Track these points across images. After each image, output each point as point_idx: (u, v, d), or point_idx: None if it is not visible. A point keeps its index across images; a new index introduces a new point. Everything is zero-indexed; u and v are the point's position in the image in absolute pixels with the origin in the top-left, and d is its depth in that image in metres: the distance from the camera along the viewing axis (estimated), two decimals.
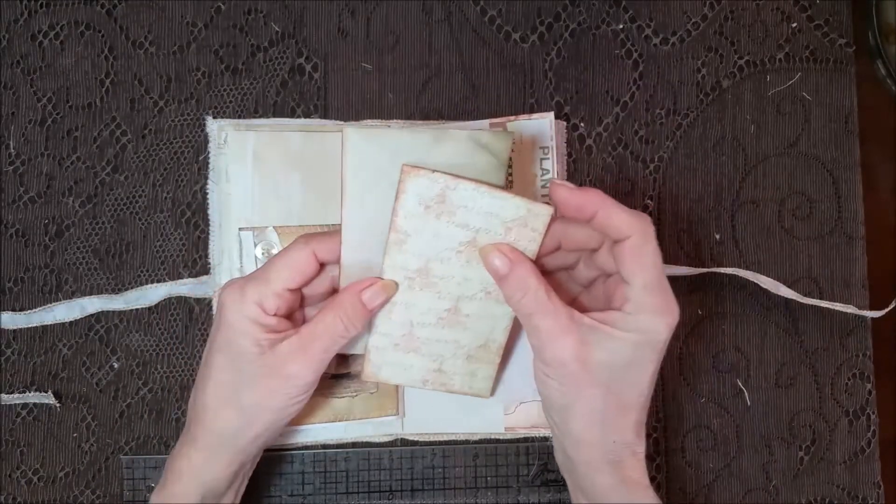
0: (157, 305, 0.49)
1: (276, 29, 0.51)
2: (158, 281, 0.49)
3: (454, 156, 0.39)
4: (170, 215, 0.50)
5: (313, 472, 0.48)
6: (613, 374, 0.39)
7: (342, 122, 0.50)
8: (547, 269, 0.42)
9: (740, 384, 0.50)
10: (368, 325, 0.43)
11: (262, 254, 0.47)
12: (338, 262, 0.42)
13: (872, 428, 0.50)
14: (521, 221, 0.40)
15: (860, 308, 0.50)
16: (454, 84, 0.51)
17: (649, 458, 0.50)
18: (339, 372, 0.48)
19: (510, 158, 0.47)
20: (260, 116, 0.50)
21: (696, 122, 0.51)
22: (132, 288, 0.49)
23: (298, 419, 0.47)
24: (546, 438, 0.49)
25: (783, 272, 0.51)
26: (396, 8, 0.51)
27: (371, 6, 0.51)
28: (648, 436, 0.50)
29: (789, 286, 0.49)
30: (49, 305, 0.49)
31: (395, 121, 0.50)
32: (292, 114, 0.50)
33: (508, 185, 0.47)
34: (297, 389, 0.41)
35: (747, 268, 0.50)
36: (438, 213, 0.39)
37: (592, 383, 0.39)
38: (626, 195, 0.51)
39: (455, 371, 0.45)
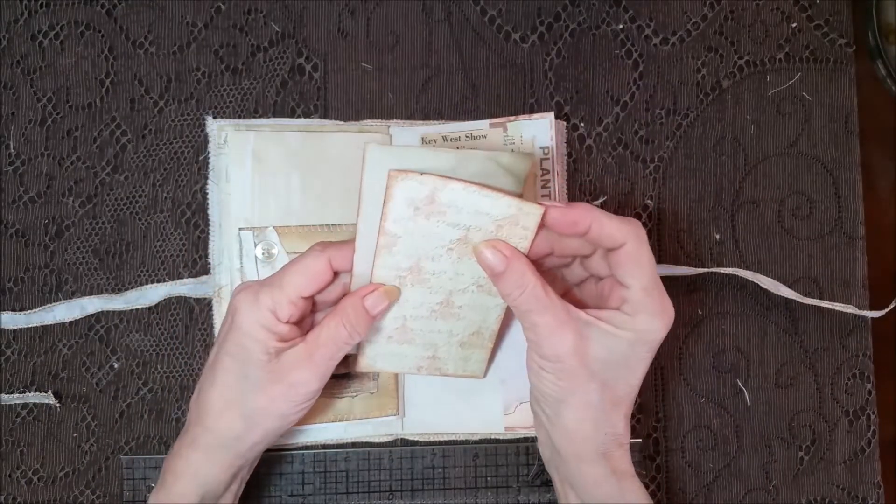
0: (157, 305, 0.49)
1: (276, 29, 0.51)
2: (158, 281, 0.49)
3: (475, 176, 0.39)
4: (170, 215, 0.50)
5: (313, 472, 0.48)
6: (609, 370, 0.40)
7: (342, 122, 0.50)
8: (540, 265, 0.42)
9: (740, 384, 0.50)
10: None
11: (262, 254, 0.47)
12: (350, 270, 0.42)
13: (872, 428, 0.50)
14: (512, 220, 0.39)
15: (860, 308, 0.50)
16: (454, 84, 0.51)
17: (650, 458, 0.50)
18: (339, 372, 0.48)
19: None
20: (260, 116, 0.50)
21: (696, 122, 0.51)
22: (132, 288, 0.49)
23: (299, 420, 0.47)
24: None
25: (783, 272, 0.51)
26: (396, 8, 0.51)
27: (371, 6, 0.51)
28: (648, 436, 0.50)
29: (789, 286, 0.49)
30: (49, 305, 0.49)
31: (395, 121, 0.50)
32: (292, 114, 0.50)
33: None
34: (301, 397, 0.41)
35: (747, 268, 0.50)
36: (428, 213, 0.39)
37: (589, 378, 0.39)
38: (626, 195, 0.51)
39: (449, 357, 0.45)
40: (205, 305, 0.49)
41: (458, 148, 0.48)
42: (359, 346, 0.44)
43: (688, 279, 0.50)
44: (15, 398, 0.49)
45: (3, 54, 0.50)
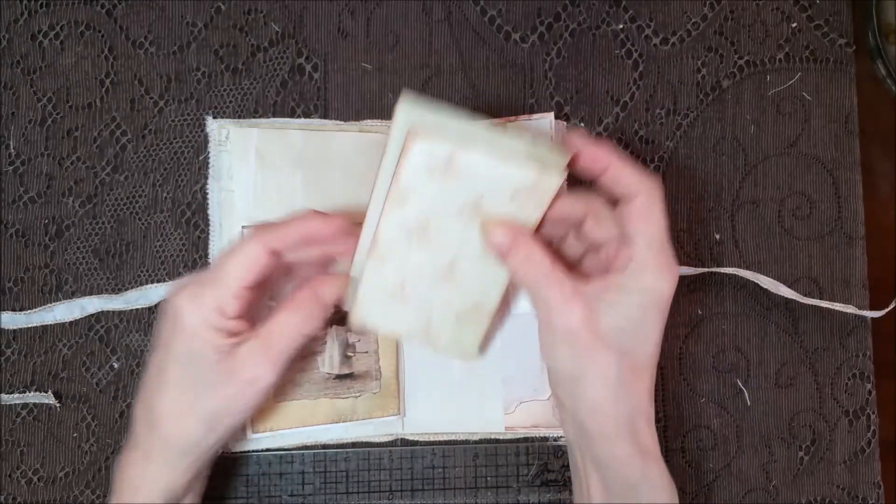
0: (157, 305, 0.49)
1: (276, 29, 0.51)
2: (158, 281, 0.49)
3: (499, 150, 0.39)
4: (170, 215, 0.50)
5: (313, 472, 0.48)
6: (623, 338, 0.39)
7: (342, 122, 0.50)
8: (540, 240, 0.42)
9: (740, 384, 0.50)
10: (358, 276, 0.42)
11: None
12: (293, 249, 0.41)
13: (872, 428, 0.50)
14: (527, 190, 0.39)
15: (860, 308, 0.50)
16: (454, 84, 0.51)
17: None
18: (343, 373, 0.48)
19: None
20: (260, 116, 0.50)
21: (696, 122, 0.51)
22: (132, 288, 0.49)
23: (301, 419, 0.47)
24: (546, 438, 0.49)
25: (783, 272, 0.51)
26: (396, 8, 0.51)
27: (371, 6, 0.51)
28: None
29: (789, 286, 0.49)
30: (49, 305, 0.49)
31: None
32: (292, 114, 0.50)
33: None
34: (258, 392, 0.41)
35: (747, 268, 0.50)
36: (444, 175, 0.39)
37: (604, 349, 0.39)
38: None
39: (442, 330, 0.44)
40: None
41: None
42: (353, 303, 0.43)
43: (688, 279, 0.50)
44: (15, 398, 0.49)
45: (3, 54, 0.50)
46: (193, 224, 0.50)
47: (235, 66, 0.50)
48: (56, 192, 0.50)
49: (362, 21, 0.51)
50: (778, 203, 0.51)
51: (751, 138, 0.51)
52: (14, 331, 0.49)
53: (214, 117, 0.50)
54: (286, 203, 0.48)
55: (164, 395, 0.40)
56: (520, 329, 0.49)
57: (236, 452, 0.48)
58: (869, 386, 0.50)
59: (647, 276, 0.39)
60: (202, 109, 0.50)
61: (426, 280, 0.42)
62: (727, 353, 0.50)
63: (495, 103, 0.51)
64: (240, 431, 0.46)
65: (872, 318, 0.50)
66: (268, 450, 0.48)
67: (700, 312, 0.51)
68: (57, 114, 0.50)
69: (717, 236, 0.51)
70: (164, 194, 0.50)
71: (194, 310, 0.39)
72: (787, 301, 0.50)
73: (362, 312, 0.43)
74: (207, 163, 0.50)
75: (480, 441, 0.49)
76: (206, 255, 0.49)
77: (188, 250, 0.50)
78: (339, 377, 0.48)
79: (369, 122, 0.50)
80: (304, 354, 0.47)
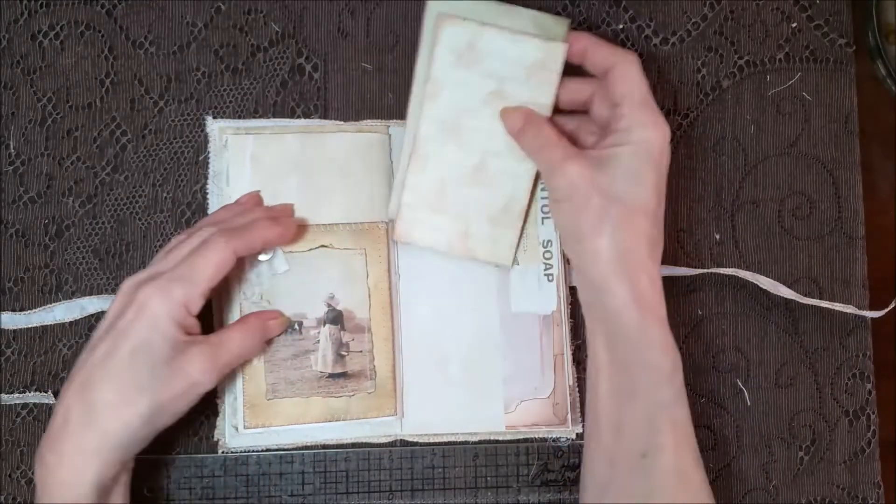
0: None
1: (276, 29, 0.51)
2: None
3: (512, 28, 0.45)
4: (170, 215, 0.50)
5: (313, 472, 0.48)
6: (617, 184, 0.42)
7: (342, 122, 0.50)
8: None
9: (740, 384, 0.50)
10: (401, 184, 0.47)
11: (259, 254, 0.47)
12: (252, 255, 0.45)
13: (872, 428, 0.50)
14: (539, 63, 0.45)
15: (860, 308, 0.50)
16: None
17: None
18: (336, 371, 0.48)
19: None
20: (260, 116, 0.50)
21: (696, 122, 0.51)
22: None
23: (294, 417, 0.47)
24: (545, 439, 0.49)
25: (783, 272, 0.51)
26: (396, 8, 0.51)
27: (371, 6, 0.51)
28: None
29: (789, 286, 0.49)
30: (49, 305, 0.49)
31: (394, 121, 0.50)
32: (292, 114, 0.50)
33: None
34: (196, 396, 0.42)
35: (747, 268, 0.50)
36: (468, 62, 0.45)
37: (600, 195, 0.42)
38: None
39: (480, 236, 0.48)
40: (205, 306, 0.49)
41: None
42: (398, 213, 0.47)
43: (688, 279, 0.50)
44: (15, 398, 0.49)
45: (3, 54, 0.50)
46: (193, 224, 0.50)
47: (235, 66, 0.51)
48: (56, 192, 0.50)
49: (362, 21, 0.51)
50: (778, 203, 0.51)
51: (751, 138, 0.51)
52: (14, 331, 0.49)
53: (214, 117, 0.50)
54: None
55: (109, 384, 0.40)
56: (520, 329, 0.49)
57: (236, 451, 0.48)
58: (869, 386, 0.50)
59: (635, 131, 0.42)
60: (202, 109, 0.50)
61: (461, 182, 0.47)
62: (727, 353, 0.50)
63: None
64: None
65: (872, 318, 0.50)
66: (266, 449, 0.48)
67: (700, 312, 0.51)
68: (57, 114, 0.50)
69: (717, 236, 0.51)
70: (164, 194, 0.50)
71: (162, 302, 0.41)
72: (787, 301, 0.50)
73: (406, 225, 0.48)
74: (207, 163, 0.50)
75: (480, 441, 0.49)
76: None
77: None
78: (333, 376, 0.48)
79: (369, 121, 0.50)
80: (297, 353, 0.47)
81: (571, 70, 0.46)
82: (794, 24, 0.52)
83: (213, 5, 0.51)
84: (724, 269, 0.50)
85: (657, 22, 0.51)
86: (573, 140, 0.46)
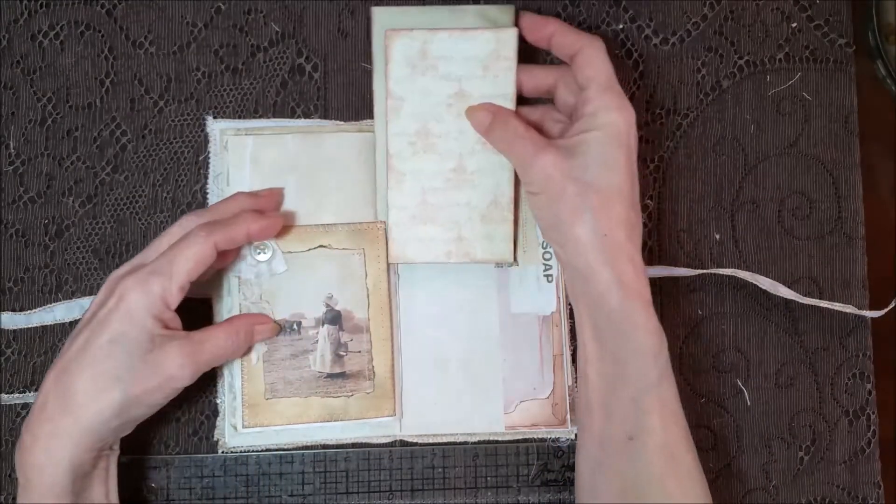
0: None
1: (276, 29, 0.51)
2: None
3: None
4: (170, 215, 0.50)
5: (313, 472, 0.48)
6: (589, 171, 0.42)
7: (342, 122, 0.50)
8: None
9: (740, 384, 0.50)
10: (385, 205, 0.47)
11: (258, 254, 0.47)
12: (233, 248, 0.45)
13: (872, 428, 0.50)
14: (493, 54, 0.45)
15: (860, 308, 0.50)
16: None
17: None
18: (334, 371, 0.48)
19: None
20: (260, 116, 0.50)
21: (696, 122, 0.51)
22: None
23: (292, 417, 0.47)
24: (545, 439, 0.49)
25: (783, 272, 0.51)
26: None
27: (371, 6, 0.51)
28: None
29: (789, 286, 0.49)
30: (49, 305, 0.49)
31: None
32: (292, 114, 0.50)
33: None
34: (173, 391, 0.42)
35: (747, 268, 0.50)
36: (424, 69, 0.45)
37: (574, 183, 0.42)
38: None
39: (474, 236, 0.47)
40: (204, 305, 0.49)
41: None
42: (387, 236, 0.47)
43: (688, 279, 0.50)
44: (15, 398, 0.49)
45: (3, 54, 0.50)
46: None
47: (235, 66, 0.51)
48: (56, 192, 0.50)
49: (362, 21, 0.51)
50: (778, 203, 0.51)
51: (751, 138, 0.51)
52: (14, 331, 0.49)
53: (214, 117, 0.50)
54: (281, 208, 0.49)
55: (85, 372, 0.41)
56: (520, 329, 0.49)
57: (235, 451, 0.48)
58: (869, 386, 0.50)
59: (602, 115, 0.42)
60: (202, 109, 0.50)
61: (442, 188, 0.47)
62: (727, 353, 0.50)
63: None
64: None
65: (872, 318, 0.50)
66: (266, 449, 0.48)
67: (700, 313, 0.51)
68: (57, 114, 0.50)
69: (717, 236, 0.51)
70: (164, 194, 0.50)
71: (140, 295, 0.41)
72: (787, 301, 0.50)
73: (399, 245, 0.48)
74: (207, 163, 0.50)
75: (480, 441, 0.49)
76: None
77: None
78: (331, 376, 0.48)
79: (369, 121, 0.50)
80: (295, 353, 0.47)
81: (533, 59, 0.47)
82: (794, 24, 0.52)
83: (213, 5, 0.51)
84: (724, 270, 0.50)
85: (657, 22, 0.51)
86: (539, 130, 0.46)
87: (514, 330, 0.49)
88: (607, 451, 0.42)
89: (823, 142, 0.51)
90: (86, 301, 0.49)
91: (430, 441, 0.49)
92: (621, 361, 0.42)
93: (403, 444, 0.49)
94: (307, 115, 0.50)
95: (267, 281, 0.47)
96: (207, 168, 0.50)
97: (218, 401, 0.48)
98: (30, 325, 0.49)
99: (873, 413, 0.50)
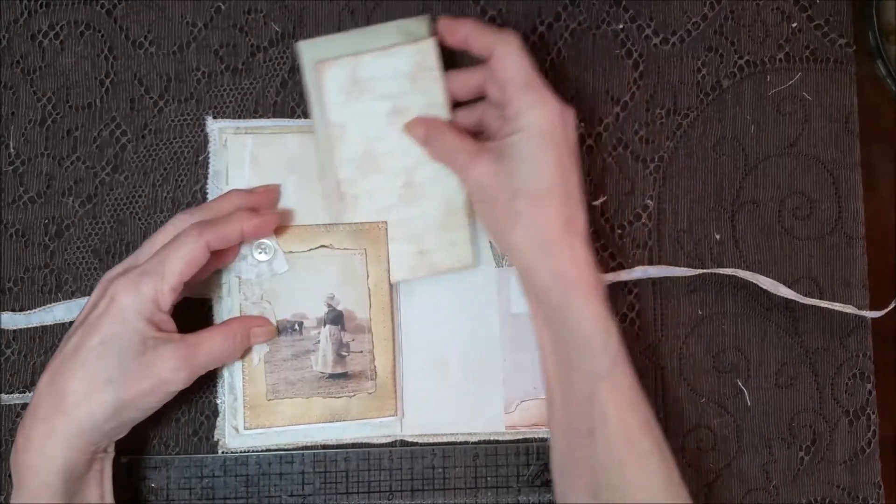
0: None
1: (276, 29, 0.51)
2: None
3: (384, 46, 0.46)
4: (170, 215, 0.50)
5: (313, 472, 0.48)
6: (519, 176, 0.42)
7: None
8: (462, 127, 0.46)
9: (740, 384, 0.50)
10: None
11: (259, 254, 0.47)
12: (228, 247, 0.44)
13: (872, 428, 0.50)
14: (418, 67, 0.46)
15: (860, 308, 0.50)
16: None
17: None
18: (336, 372, 0.48)
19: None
20: (260, 116, 0.50)
21: (696, 122, 0.51)
22: None
23: (294, 417, 0.47)
24: (545, 439, 0.49)
25: (783, 272, 0.51)
26: (396, 8, 0.51)
27: (371, 6, 0.51)
28: None
29: (789, 286, 0.49)
30: (49, 305, 0.49)
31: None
32: (292, 114, 0.50)
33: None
34: (167, 395, 0.42)
35: (747, 268, 0.50)
36: (358, 94, 0.46)
37: (504, 190, 0.42)
38: (626, 195, 0.51)
39: (436, 247, 0.48)
40: (205, 306, 0.49)
41: None
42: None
43: (688, 279, 0.50)
44: (15, 398, 0.49)
45: (3, 54, 0.50)
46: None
47: (235, 66, 0.51)
48: (56, 192, 0.50)
49: (362, 21, 0.51)
50: (778, 203, 0.51)
51: (751, 138, 0.51)
52: (14, 331, 0.49)
53: (214, 117, 0.50)
54: (279, 206, 0.48)
55: (77, 374, 0.40)
56: (519, 329, 0.49)
57: (236, 452, 0.48)
58: (869, 386, 0.50)
59: (524, 115, 0.42)
60: (202, 109, 0.50)
61: (397, 206, 0.47)
62: (727, 354, 0.50)
63: None
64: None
65: (872, 318, 0.50)
66: (266, 449, 0.48)
67: (700, 313, 0.51)
68: (57, 114, 0.50)
69: (717, 236, 0.51)
70: (164, 194, 0.50)
71: (132, 296, 0.41)
72: (787, 301, 0.50)
73: None
74: (207, 163, 0.50)
75: (480, 441, 0.49)
76: None
77: None
78: (333, 376, 0.48)
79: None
80: (297, 353, 0.47)
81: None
82: (794, 24, 0.52)
83: (213, 5, 0.51)
84: (724, 270, 0.50)
85: (657, 22, 0.51)
86: (481, 128, 0.46)
87: (515, 330, 0.49)
88: (571, 443, 0.42)
89: (823, 142, 0.51)
90: (86, 301, 0.49)
91: (431, 441, 0.49)
92: (571, 352, 0.42)
93: (404, 444, 0.49)
94: (307, 115, 0.50)
95: (268, 281, 0.47)
96: (207, 168, 0.50)
97: (218, 401, 0.48)
98: (30, 325, 0.49)
99: (873, 413, 0.50)
